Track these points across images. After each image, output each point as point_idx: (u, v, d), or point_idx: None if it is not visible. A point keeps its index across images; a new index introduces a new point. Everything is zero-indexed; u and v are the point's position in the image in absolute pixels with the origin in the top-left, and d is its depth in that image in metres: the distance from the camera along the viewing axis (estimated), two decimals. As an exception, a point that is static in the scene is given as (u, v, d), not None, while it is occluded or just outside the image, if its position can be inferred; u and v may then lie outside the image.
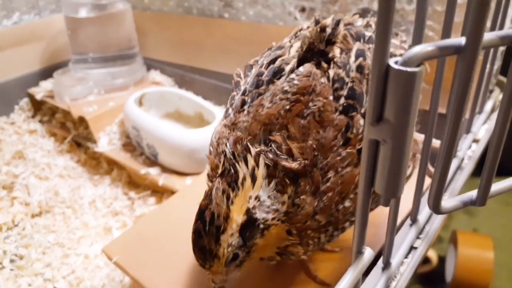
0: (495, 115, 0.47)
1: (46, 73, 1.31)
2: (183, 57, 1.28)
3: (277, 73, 0.50)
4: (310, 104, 0.46)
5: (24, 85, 1.28)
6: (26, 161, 1.09)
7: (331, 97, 0.46)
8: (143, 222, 0.75)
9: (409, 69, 0.24)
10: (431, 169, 0.60)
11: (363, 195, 0.32)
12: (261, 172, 0.45)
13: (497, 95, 0.81)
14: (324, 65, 0.48)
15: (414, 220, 0.50)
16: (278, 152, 0.45)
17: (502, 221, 1.16)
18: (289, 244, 0.49)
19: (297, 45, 0.53)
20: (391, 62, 0.25)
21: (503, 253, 1.00)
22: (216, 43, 1.17)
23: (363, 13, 0.61)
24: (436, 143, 0.49)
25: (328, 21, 0.53)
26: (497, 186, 0.37)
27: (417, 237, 0.50)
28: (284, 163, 0.44)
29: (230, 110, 0.52)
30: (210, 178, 0.51)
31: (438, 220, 0.53)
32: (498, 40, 0.28)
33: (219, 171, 0.48)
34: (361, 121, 0.45)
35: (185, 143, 0.92)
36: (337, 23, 0.52)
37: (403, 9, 0.81)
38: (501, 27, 0.58)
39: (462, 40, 0.26)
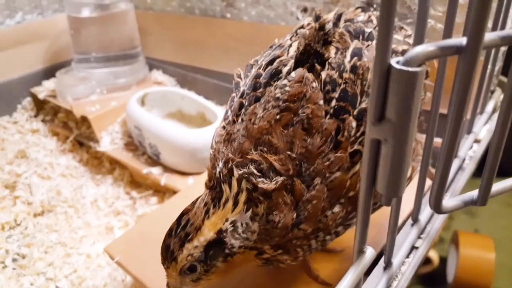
0: (496, 116, 0.47)
1: (49, 72, 1.31)
2: (185, 57, 1.28)
3: (275, 75, 0.49)
4: (300, 111, 0.45)
5: (26, 85, 1.28)
6: (28, 160, 1.09)
7: (321, 102, 0.45)
8: (145, 221, 0.75)
9: (410, 69, 0.25)
10: (432, 170, 0.60)
11: (364, 195, 0.32)
12: (243, 198, 0.45)
13: (498, 96, 0.81)
14: (318, 67, 0.47)
15: (415, 220, 0.50)
16: (256, 173, 0.45)
17: (503, 222, 1.16)
18: (274, 255, 0.49)
19: (296, 44, 0.52)
20: (393, 62, 0.25)
21: (504, 253, 1.00)
22: (218, 43, 1.17)
23: (367, 6, 0.60)
24: (438, 141, 0.49)
25: (330, 16, 0.52)
26: (498, 186, 0.37)
27: (419, 237, 0.51)
28: (260, 185, 0.44)
29: (229, 112, 0.52)
30: (207, 186, 0.51)
31: (439, 220, 0.53)
32: (499, 41, 0.28)
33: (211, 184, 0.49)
34: (354, 124, 0.44)
35: (187, 142, 0.92)
36: (338, 18, 0.52)
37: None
38: (503, 27, 0.58)
39: (463, 40, 0.26)
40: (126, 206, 0.98)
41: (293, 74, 0.47)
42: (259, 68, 0.52)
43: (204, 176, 0.52)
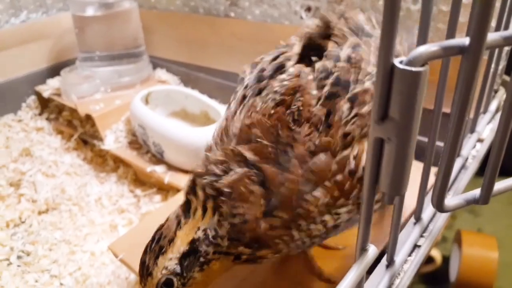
0: (499, 115, 0.47)
1: (53, 71, 1.32)
2: (189, 56, 1.29)
3: (279, 69, 0.50)
4: (292, 104, 0.46)
5: (31, 83, 1.29)
6: (33, 158, 1.10)
7: (314, 91, 0.45)
8: (149, 219, 0.75)
9: (413, 69, 0.25)
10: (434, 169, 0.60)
11: (367, 193, 0.32)
12: (211, 203, 0.45)
13: (501, 95, 0.81)
14: (314, 59, 0.48)
15: (418, 219, 0.51)
16: (219, 173, 0.45)
17: (506, 221, 1.16)
18: (252, 253, 0.47)
19: (300, 42, 0.53)
20: (396, 61, 0.25)
21: (507, 253, 1.00)
22: (222, 42, 1.18)
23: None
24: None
25: (333, 18, 0.54)
26: (500, 185, 0.37)
27: (421, 236, 0.51)
28: (217, 185, 0.44)
29: (232, 104, 0.52)
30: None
31: (442, 218, 0.53)
32: (502, 41, 0.28)
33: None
34: (346, 106, 0.44)
35: (191, 141, 0.92)
36: (340, 17, 0.53)
37: (408, 9, 0.81)
38: (506, 27, 0.58)
39: (466, 41, 0.27)
40: (130, 204, 0.99)
41: (291, 69, 0.48)
42: (264, 63, 0.53)
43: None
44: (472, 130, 0.69)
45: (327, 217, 0.46)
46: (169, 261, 0.45)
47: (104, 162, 1.14)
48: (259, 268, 0.62)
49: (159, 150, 0.98)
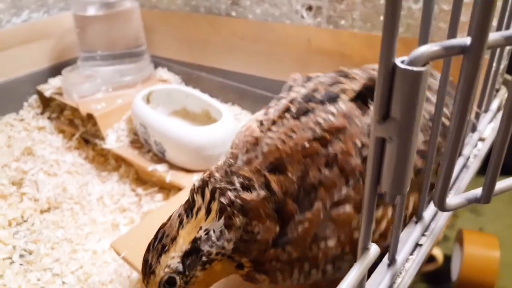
0: (501, 114, 0.47)
1: (55, 70, 1.32)
2: (190, 55, 1.29)
3: (332, 99, 0.47)
4: (331, 145, 0.44)
5: (33, 82, 1.29)
6: (35, 157, 1.10)
7: (357, 141, 0.44)
8: (151, 217, 0.76)
9: (415, 69, 0.25)
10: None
11: (369, 192, 0.32)
12: (216, 206, 0.45)
13: (503, 94, 0.81)
14: (371, 103, 0.46)
15: (419, 218, 0.51)
16: (238, 186, 0.44)
17: (508, 221, 1.16)
18: (252, 271, 0.48)
19: (362, 80, 0.50)
20: (398, 61, 0.25)
21: (509, 252, 1.00)
22: (223, 41, 1.18)
23: None
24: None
25: None
26: (502, 184, 0.37)
27: (423, 235, 0.51)
28: (243, 196, 0.44)
29: (272, 110, 0.50)
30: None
31: (443, 217, 0.53)
32: (503, 41, 0.28)
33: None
34: None
35: (192, 140, 0.93)
36: None
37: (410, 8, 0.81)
38: (508, 27, 0.58)
39: (467, 40, 0.27)
40: (132, 203, 0.99)
41: (343, 105, 0.46)
42: (318, 84, 0.50)
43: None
44: (474, 129, 0.69)
45: (329, 267, 0.47)
46: (172, 260, 0.45)
47: (106, 161, 1.14)
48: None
49: (161, 149, 0.98)
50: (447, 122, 0.48)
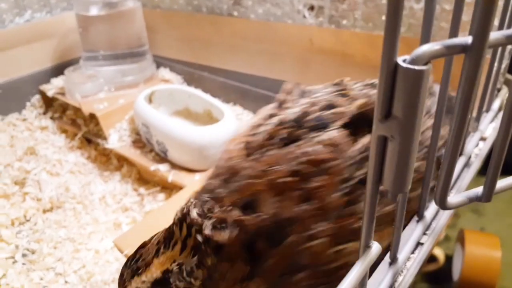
0: (502, 113, 0.47)
1: (57, 70, 1.32)
2: (192, 55, 1.29)
3: (323, 125, 0.45)
4: (312, 178, 0.43)
5: (35, 82, 1.30)
6: (37, 157, 1.11)
7: (340, 178, 0.42)
8: (153, 215, 0.76)
9: (417, 67, 0.25)
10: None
11: (371, 190, 0.32)
12: (191, 242, 0.45)
13: (504, 94, 0.81)
14: (364, 133, 0.45)
15: (421, 217, 0.51)
16: (212, 225, 0.44)
17: (509, 221, 1.16)
18: None
19: (361, 101, 0.48)
20: (399, 60, 0.26)
21: (510, 252, 1.00)
22: (225, 41, 1.18)
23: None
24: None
25: None
26: (503, 182, 0.37)
27: (424, 233, 0.51)
28: (215, 237, 0.43)
29: (262, 129, 0.48)
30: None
31: (444, 216, 0.53)
32: (504, 40, 0.28)
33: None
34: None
35: (194, 140, 0.93)
36: None
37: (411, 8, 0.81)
38: (509, 26, 0.59)
39: (469, 39, 0.27)
40: (134, 203, 0.99)
41: (332, 133, 0.44)
42: (313, 105, 0.48)
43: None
44: (475, 129, 0.69)
45: None
46: (142, 284, 0.46)
47: (108, 160, 1.15)
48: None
49: (163, 148, 0.98)
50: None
